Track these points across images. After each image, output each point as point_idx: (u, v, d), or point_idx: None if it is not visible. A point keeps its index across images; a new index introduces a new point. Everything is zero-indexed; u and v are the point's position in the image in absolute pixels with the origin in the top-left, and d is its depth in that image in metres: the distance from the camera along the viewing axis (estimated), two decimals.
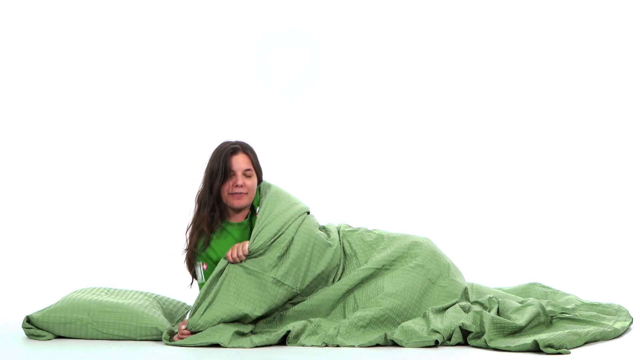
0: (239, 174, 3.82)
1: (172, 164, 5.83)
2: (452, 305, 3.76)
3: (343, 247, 3.94)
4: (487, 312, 3.57)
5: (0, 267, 5.29)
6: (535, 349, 3.34)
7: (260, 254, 3.74)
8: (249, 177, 3.84)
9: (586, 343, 3.48)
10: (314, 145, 5.92)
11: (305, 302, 3.78)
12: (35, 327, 3.71)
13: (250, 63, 5.92)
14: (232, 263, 3.73)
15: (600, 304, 3.90)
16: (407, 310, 3.72)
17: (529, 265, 5.25)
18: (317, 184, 5.83)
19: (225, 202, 3.82)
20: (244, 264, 3.73)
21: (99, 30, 5.86)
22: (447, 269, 3.89)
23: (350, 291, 3.82)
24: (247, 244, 3.74)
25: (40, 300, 4.17)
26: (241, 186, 3.80)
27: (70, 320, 3.69)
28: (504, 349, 3.40)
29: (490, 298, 3.82)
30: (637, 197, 5.69)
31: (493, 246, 5.52)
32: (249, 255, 3.73)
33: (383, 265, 3.86)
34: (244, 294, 3.70)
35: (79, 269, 5.23)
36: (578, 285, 4.52)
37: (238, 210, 3.86)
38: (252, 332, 3.69)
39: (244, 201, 3.83)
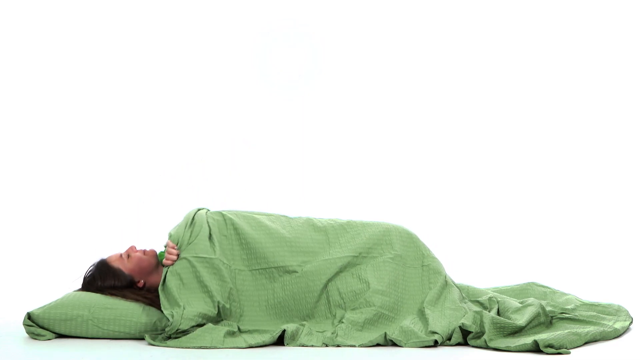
0: (125, 251, 3.84)
1: (172, 163, 5.83)
2: (441, 292, 3.77)
3: (313, 223, 3.93)
4: (487, 312, 3.58)
5: (0, 267, 5.29)
6: (535, 349, 3.34)
7: (190, 242, 3.75)
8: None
9: (586, 343, 3.48)
10: (314, 145, 5.92)
11: (282, 293, 3.76)
12: (36, 325, 3.71)
13: (250, 63, 5.92)
14: (171, 265, 3.73)
15: (600, 304, 3.90)
16: (397, 304, 3.74)
17: (528, 265, 5.25)
18: (317, 184, 5.83)
19: (147, 270, 3.81)
20: (184, 255, 3.72)
21: (100, 31, 5.86)
22: (426, 248, 3.92)
23: (331, 280, 3.80)
24: (169, 241, 3.77)
25: (40, 299, 4.16)
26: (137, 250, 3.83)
27: (70, 317, 3.69)
28: (504, 349, 3.40)
29: (490, 298, 3.83)
30: (636, 197, 5.69)
31: (491, 246, 5.52)
32: (180, 247, 3.74)
33: (360, 253, 3.85)
34: (205, 283, 3.70)
35: (79, 269, 5.22)
36: (578, 285, 4.52)
37: (155, 269, 3.84)
38: (240, 331, 3.67)
39: (151, 254, 3.83)
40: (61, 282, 4.57)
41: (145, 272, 3.81)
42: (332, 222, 3.96)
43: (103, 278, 3.81)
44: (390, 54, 5.94)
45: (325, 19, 5.93)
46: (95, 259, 3.88)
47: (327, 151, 5.91)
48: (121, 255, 3.83)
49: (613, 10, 5.84)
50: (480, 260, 5.33)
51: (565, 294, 4.06)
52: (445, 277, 3.86)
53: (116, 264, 3.81)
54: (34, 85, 5.81)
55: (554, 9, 5.88)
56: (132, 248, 3.85)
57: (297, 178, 5.85)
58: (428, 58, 5.94)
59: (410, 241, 3.93)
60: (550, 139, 5.86)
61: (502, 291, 4.16)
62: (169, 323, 3.58)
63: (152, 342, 3.59)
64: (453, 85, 5.93)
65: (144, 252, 3.83)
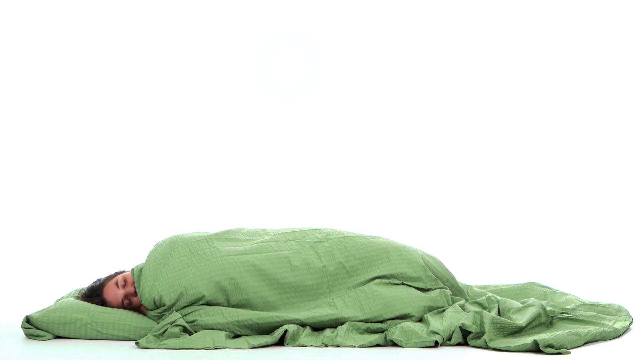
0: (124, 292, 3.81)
1: (173, 167, 5.84)
2: (444, 309, 3.77)
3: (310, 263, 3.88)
4: (487, 312, 3.58)
5: (0, 267, 5.29)
6: (535, 349, 3.35)
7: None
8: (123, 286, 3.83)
9: (586, 343, 3.48)
10: (314, 149, 5.92)
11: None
12: (34, 327, 3.71)
13: (250, 67, 5.93)
14: None
15: (600, 304, 3.90)
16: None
17: (528, 265, 5.26)
18: (317, 187, 5.84)
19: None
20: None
21: (101, 33, 5.87)
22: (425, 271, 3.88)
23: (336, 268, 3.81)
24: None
25: (39, 300, 4.17)
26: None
27: (69, 321, 3.69)
28: (504, 349, 3.40)
29: (488, 297, 3.83)
30: (636, 197, 5.70)
31: (492, 245, 5.53)
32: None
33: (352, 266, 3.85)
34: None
35: (79, 270, 5.23)
36: (578, 285, 4.53)
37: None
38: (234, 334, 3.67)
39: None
40: (60, 283, 4.58)
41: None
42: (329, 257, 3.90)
43: (90, 299, 3.82)
44: (390, 60, 5.95)
45: (325, 25, 5.95)
46: (95, 282, 3.87)
47: (326, 155, 5.91)
48: (121, 301, 3.79)
49: (613, 10, 5.84)
50: (481, 259, 5.34)
51: (566, 294, 4.06)
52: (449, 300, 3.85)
53: (110, 298, 3.80)
54: (34, 87, 5.82)
55: (554, 9, 5.88)
56: (134, 296, 3.80)
57: (297, 181, 5.85)
58: (426, 63, 5.95)
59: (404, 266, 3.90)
60: (550, 139, 5.86)
61: (502, 290, 4.16)
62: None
63: (146, 345, 3.56)
64: (452, 87, 5.93)
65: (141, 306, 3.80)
